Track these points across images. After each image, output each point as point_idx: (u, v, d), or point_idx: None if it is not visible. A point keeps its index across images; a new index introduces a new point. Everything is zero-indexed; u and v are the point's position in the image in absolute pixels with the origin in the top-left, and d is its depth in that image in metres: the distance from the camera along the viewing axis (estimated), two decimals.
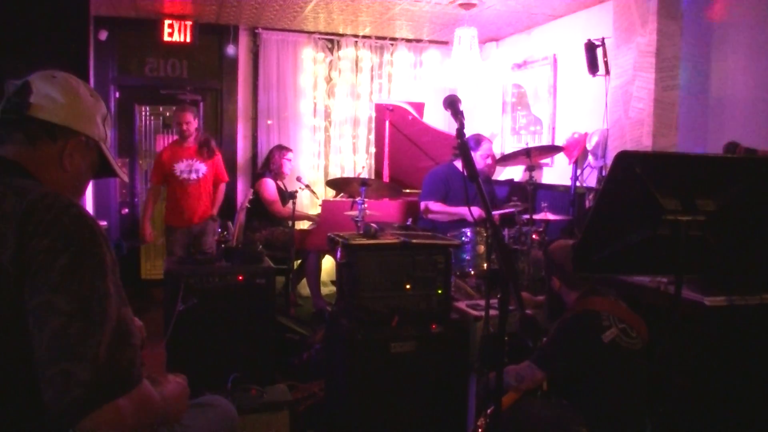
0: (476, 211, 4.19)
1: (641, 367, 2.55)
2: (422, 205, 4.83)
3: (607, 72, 4.93)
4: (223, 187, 5.60)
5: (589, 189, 5.28)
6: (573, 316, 2.61)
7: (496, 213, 4.78)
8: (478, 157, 4.84)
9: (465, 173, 1.92)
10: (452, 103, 2.08)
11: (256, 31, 6.58)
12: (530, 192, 4.92)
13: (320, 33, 6.72)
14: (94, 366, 1.21)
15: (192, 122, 5.28)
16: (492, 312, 2.08)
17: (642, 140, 4.48)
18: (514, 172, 6.55)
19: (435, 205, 4.75)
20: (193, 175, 5.28)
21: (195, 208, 5.31)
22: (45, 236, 1.26)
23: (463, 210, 4.55)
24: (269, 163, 5.91)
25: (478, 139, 4.96)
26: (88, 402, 1.20)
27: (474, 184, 1.85)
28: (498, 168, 6.36)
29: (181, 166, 5.25)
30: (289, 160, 5.94)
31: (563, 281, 2.74)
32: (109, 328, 1.26)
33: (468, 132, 2.13)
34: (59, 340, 1.21)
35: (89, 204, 5.83)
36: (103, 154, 1.61)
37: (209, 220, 5.37)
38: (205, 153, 5.31)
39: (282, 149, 5.98)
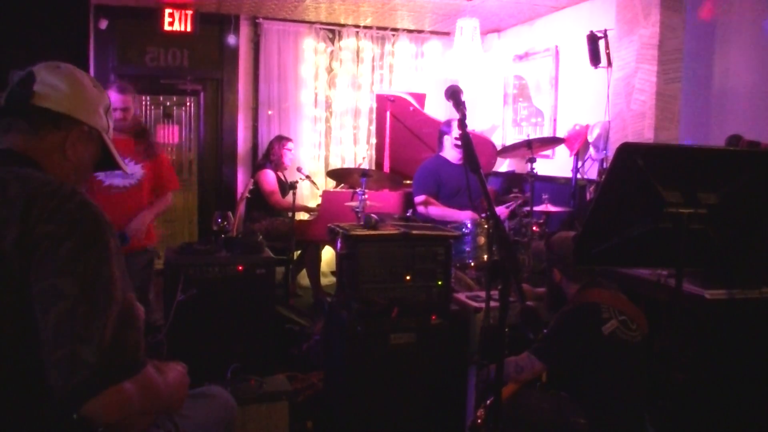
0: (468, 215, 4.18)
1: (641, 360, 2.55)
2: (418, 198, 4.77)
3: (609, 64, 4.91)
4: (169, 196, 3.95)
5: (590, 181, 5.27)
6: (573, 308, 2.61)
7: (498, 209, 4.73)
8: (454, 139, 4.65)
9: (459, 161, 1.90)
10: (454, 94, 2.07)
11: (257, 20, 6.55)
12: (531, 184, 4.91)
13: (321, 23, 6.70)
14: (100, 349, 1.22)
15: (131, 108, 3.75)
16: (492, 303, 2.08)
17: (644, 133, 4.47)
18: (514, 164, 6.54)
19: (432, 201, 4.69)
20: (120, 181, 3.63)
21: (122, 228, 3.56)
22: (49, 222, 1.27)
23: (458, 215, 4.49)
24: (269, 154, 5.90)
25: (449, 122, 4.78)
26: (94, 384, 1.21)
27: (476, 176, 1.84)
28: (499, 160, 6.36)
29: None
30: (290, 150, 5.93)
31: (564, 273, 2.74)
32: (114, 312, 1.27)
33: (469, 123, 2.12)
34: (65, 324, 1.22)
35: None
36: (106, 145, 1.61)
37: (143, 252, 3.73)
38: (143, 149, 3.74)
39: (282, 140, 5.96)
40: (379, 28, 6.87)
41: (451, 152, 4.70)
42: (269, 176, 5.68)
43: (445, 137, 4.74)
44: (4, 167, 1.37)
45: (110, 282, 1.29)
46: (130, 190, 3.67)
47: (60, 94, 1.48)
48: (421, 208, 4.68)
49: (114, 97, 3.59)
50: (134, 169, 3.67)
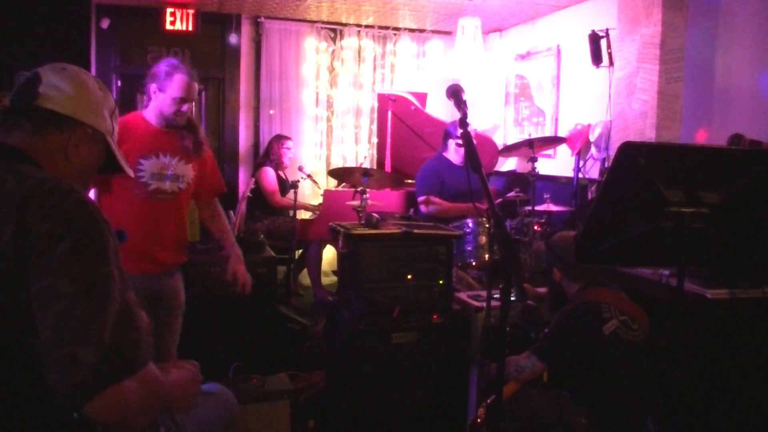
0: (469, 207, 4.16)
1: (642, 360, 2.54)
2: (421, 198, 4.77)
3: (611, 63, 4.90)
4: (218, 204, 3.21)
5: (592, 180, 5.27)
6: (574, 308, 2.61)
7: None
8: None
9: (461, 163, 1.90)
10: (455, 93, 2.07)
11: (259, 20, 6.55)
12: (532, 183, 4.91)
13: (323, 22, 6.69)
14: (99, 348, 1.22)
15: (194, 100, 2.98)
16: (493, 303, 2.08)
17: (645, 132, 4.46)
18: (515, 163, 6.54)
19: (434, 199, 4.69)
20: (169, 184, 2.88)
21: (163, 246, 2.91)
22: (45, 221, 1.26)
23: (464, 206, 4.48)
24: (269, 154, 5.89)
25: (455, 124, 4.84)
26: (94, 385, 1.21)
27: (477, 175, 1.84)
28: (500, 159, 6.36)
29: (149, 166, 2.82)
30: (289, 148, 5.92)
31: (565, 273, 2.73)
32: (112, 311, 1.26)
33: (470, 122, 2.12)
34: (64, 324, 1.21)
35: (91, 192, 5.81)
36: (110, 149, 1.60)
37: (175, 270, 3.02)
38: (192, 146, 2.93)
39: (281, 139, 5.96)
40: (380, 27, 6.86)
41: (454, 154, 4.70)
42: (269, 175, 5.68)
43: (450, 140, 4.73)
44: (2, 164, 1.37)
45: (108, 281, 1.28)
46: (179, 195, 2.92)
47: (64, 95, 1.48)
48: (423, 208, 4.69)
49: (181, 81, 2.82)
50: (184, 170, 2.91)
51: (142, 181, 2.80)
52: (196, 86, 2.91)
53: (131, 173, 1.75)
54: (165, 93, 2.81)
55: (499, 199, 5.25)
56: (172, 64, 2.87)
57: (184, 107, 2.86)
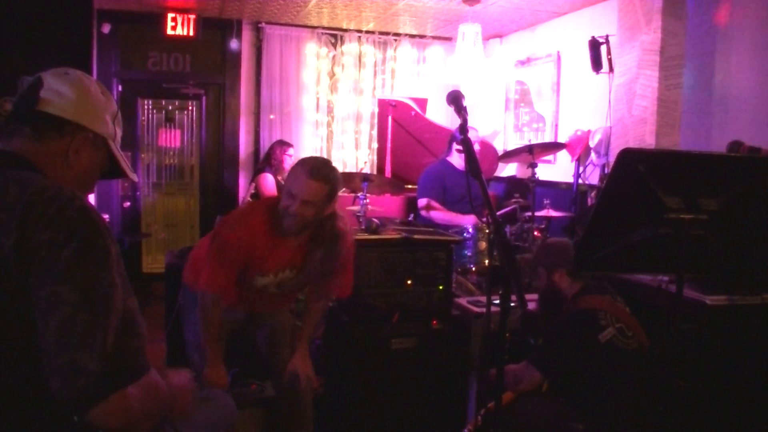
0: (472, 219, 4.17)
1: (638, 367, 2.53)
2: (422, 202, 4.78)
3: (611, 70, 4.92)
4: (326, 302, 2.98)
5: (592, 186, 5.27)
6: (570, 315, 2.58)
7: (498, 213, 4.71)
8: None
9: (465, 169, 1.91)
10: (455, 99, 2.07)
11: (260, 25, 6.57)
12: (532, 189, 4.91)
13: (323, 28, 6.71)
14: (102, 355, 1.22)
15: (317, 203, 2.53)
16: (493, 309, 2.08)
17: (645, 138, 4.47)
18: (515, 169, 6.55)
19: (435, 205, 4.70)
20: (282, 289, 2.73)
21: (263, 307, 2.90)
22: (48, 228, 1.26)
23: (461, 219, 4.47)
24: (270, 158, 5.90)
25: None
26: (97, 391, 1.21)
27: (477, 181, 1.84)
28: (500, 165, 6.37)
29: (264, 281, 2.65)
30: (290, 156, 5.93)
31: (568, 272, 2.66)
32: (115, 318, 1.26)
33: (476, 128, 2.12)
34: (66, 330, 1.21)
35: (91, 197, 5.81)
36: (112, 153, 1.60)
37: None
38: (320, 262, 2.63)
39: (283, 144, 5.97)
40: (381, 33, 6.88)
41: (457, 159, 4.71)
42: (268, 181, 5.69)
43: (455, 143, 4.74)
44: (4, 170, 1.36)
45: (110, 289, 1.28)
46: (287, 291, 2.80)
47: (65, 100, 1.47)
48: (423, 212, 4.69)
49: (295, 180, 2.52)
50: (299, 281, 2.73)
51: (256, 284, 2.64)
52: (324, 189, 2.51)
53: (135, 178, 1.75)
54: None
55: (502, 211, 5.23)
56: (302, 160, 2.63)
57: (295, 207, 2.45)
